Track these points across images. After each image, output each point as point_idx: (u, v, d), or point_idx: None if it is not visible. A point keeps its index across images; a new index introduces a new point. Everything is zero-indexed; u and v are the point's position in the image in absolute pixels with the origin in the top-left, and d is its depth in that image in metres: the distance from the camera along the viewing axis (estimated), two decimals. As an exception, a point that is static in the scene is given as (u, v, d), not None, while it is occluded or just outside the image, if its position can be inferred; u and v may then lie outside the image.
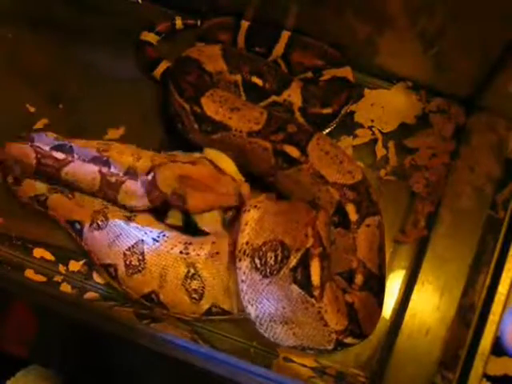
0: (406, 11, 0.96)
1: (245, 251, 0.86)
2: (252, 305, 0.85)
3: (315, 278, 0.83)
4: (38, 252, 1.06)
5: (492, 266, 0.79)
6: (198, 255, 0.95)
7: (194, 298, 0.95)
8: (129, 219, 0.98)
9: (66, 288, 1.03)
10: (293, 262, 0.83)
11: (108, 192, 0.97)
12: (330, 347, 0.87)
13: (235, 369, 0.72)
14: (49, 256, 1.06)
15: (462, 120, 1.10)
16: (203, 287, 0.94)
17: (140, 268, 0.95)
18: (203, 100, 0.98)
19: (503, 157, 0.91)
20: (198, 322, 1.00)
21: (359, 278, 0.93)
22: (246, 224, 0.87)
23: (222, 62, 1.04)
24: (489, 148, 0.98)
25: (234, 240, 0.92)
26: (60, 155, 0.97)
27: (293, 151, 0.96)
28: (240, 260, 0.86)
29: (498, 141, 0.95)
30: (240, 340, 1.02)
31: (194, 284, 0.94)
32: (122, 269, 0.96)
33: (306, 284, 0.83)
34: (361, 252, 0.93)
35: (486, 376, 0.95)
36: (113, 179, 0.96)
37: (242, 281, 0.86)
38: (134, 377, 0.85)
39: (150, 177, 0.95)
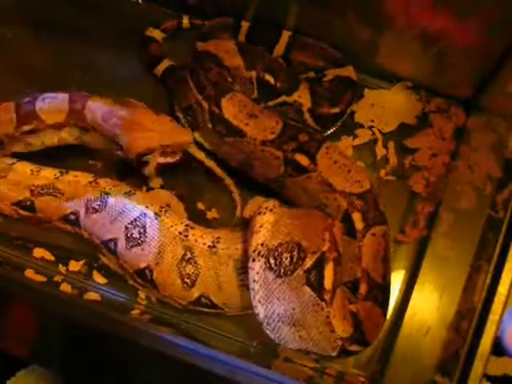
0: (406, 11, 0.96)
1: (259, 252, 0.85)
2: (262, 304, 0.85)
3: (328, 281, 0.83)
4: (38, 252, 1.06)
5: (492, 266, 0.79)
6: (197, 242, 0.95)
7: (186, 283, 0.94)
8: (129, 195, 0.98)
9: (66, 288, 1.03)
10: (308, 263, 0.83)
11: (75, 106, 1.00)
12: (333, 354, 0.86)
13: (235, 369, 0.72)
14: (49, 256, 1.06)
15: (462, 120, 1.10)
16: (197, 274, 0.94)
17: (140, 241, 0.95)
18: (223, 102, 0.98)
19: (503, 157, 0.91)
20: (185, 310, 0.99)
21: (363, 288, 0.93)
22: (261, 226, 0.87)
23: (239, 57, 1.05)
24: (489, 148, 0.98)
25: (239, 243, 0.93)
26: (33, 97, 1.01)
27: (303, 160, 0.96)
28: (254, 260, 0.85)
29: (497, 141, 0.96)
30: (240, 340, 1.02)
31: (189, 269, 0.94)
32: (122, 242, 0.96)
33: (318, 287, 0.83)
34: (365, 261, 0.93)
35: (486, 376, 0.95)
36: (78, 105, 1.00)
37: (255, 281, 0.85)
38: (134, 377, 0.85)
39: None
